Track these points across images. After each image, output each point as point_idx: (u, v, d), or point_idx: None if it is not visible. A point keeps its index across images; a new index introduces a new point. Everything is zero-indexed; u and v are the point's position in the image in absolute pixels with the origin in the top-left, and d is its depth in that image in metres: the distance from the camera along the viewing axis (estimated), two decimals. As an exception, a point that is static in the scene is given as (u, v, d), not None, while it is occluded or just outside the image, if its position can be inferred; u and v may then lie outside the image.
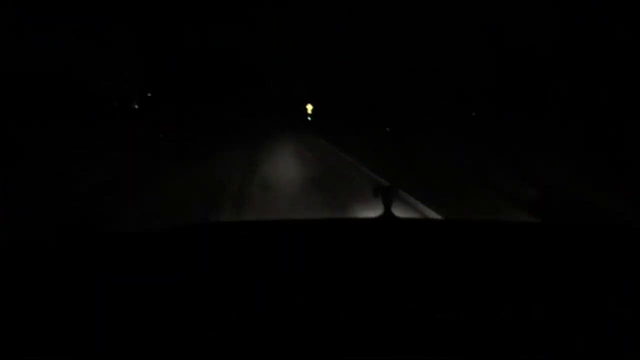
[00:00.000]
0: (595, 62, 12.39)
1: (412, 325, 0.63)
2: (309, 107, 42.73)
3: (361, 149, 11.98)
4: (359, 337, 0.61)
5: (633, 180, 6.53)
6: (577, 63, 13.06)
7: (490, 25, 16.29)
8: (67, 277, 0.83)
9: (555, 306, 0.68)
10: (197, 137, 17.56)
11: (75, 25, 16.93)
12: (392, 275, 0.80)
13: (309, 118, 42.04)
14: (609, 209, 5.37)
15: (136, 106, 24.21)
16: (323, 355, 0.58)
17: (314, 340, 0.60)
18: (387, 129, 19.45)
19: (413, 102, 22.04)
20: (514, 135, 12.27)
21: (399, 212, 1.41)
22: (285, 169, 9.37)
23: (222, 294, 0.74)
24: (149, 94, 25.50)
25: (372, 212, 1.49)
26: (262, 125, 27.05)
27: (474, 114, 18.29)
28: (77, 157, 10.80)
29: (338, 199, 6.39)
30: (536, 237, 1.14)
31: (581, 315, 0.67)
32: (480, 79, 17.24)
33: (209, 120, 24.24)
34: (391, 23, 24.61)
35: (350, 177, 8.59)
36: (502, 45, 15.83)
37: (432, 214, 5.19)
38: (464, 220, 2.08)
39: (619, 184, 6.52)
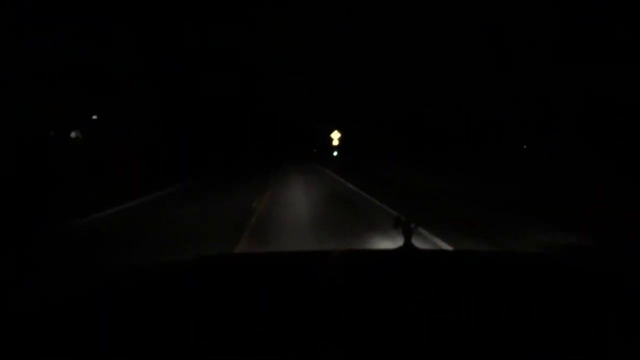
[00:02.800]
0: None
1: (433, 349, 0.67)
2: (335, 137, 33.98)
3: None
4: None
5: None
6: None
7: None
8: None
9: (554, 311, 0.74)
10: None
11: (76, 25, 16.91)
12: (420, 307, 0.84)
13: (335, 153, 33.73)
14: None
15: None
16: None
17: None
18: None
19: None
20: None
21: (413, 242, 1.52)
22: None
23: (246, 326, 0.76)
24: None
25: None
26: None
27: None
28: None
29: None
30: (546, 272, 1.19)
31: (579, 316, 0.72)
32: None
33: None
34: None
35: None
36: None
37: (445, 246, 5.32)
38: (481, 252, 2.25)
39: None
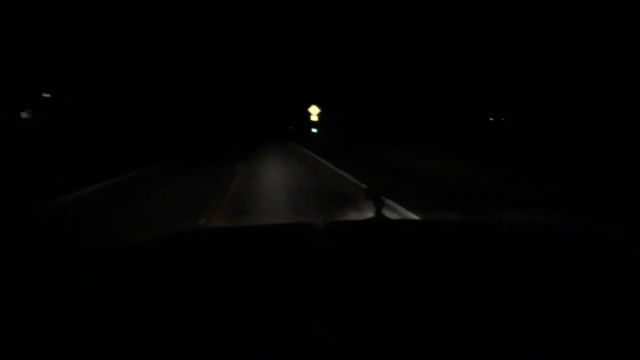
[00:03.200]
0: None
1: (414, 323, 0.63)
2: (314, 112, 30.64)
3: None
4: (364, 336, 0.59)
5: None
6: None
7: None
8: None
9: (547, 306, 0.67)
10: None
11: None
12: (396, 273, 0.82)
13: (314, 130, 30.53)
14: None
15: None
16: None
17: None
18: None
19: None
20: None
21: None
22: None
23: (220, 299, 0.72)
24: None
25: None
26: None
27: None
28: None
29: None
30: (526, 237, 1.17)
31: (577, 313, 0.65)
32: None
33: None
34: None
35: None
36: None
37: (412, 216, 5.39)
38: (447, 221, 2.30)
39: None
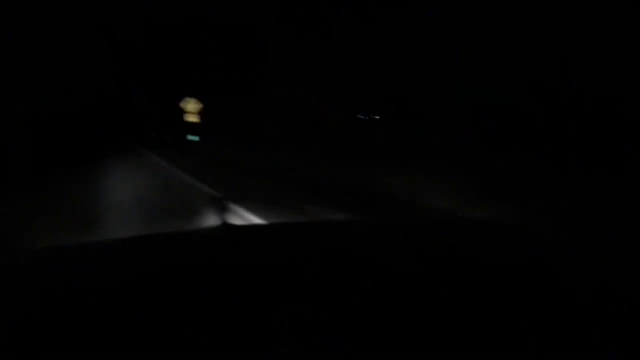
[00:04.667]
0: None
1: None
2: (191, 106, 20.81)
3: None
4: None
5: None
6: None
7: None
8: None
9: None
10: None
11: None
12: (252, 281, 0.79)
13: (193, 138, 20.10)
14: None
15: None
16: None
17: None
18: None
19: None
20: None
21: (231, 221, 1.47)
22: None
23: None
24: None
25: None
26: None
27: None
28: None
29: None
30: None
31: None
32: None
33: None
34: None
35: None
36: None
37: (261, 222, 5.35)
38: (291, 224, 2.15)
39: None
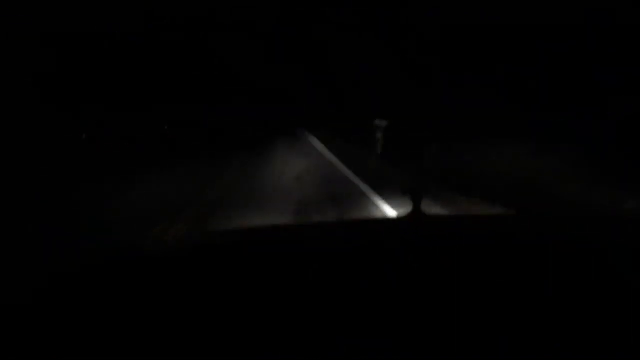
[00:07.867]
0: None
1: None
2: None
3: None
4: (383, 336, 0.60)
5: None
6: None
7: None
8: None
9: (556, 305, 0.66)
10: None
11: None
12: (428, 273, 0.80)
13: None
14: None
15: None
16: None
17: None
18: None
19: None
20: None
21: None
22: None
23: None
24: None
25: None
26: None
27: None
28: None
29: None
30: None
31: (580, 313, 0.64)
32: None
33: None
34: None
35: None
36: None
37: (440, 211, 4.86)
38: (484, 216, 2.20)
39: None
